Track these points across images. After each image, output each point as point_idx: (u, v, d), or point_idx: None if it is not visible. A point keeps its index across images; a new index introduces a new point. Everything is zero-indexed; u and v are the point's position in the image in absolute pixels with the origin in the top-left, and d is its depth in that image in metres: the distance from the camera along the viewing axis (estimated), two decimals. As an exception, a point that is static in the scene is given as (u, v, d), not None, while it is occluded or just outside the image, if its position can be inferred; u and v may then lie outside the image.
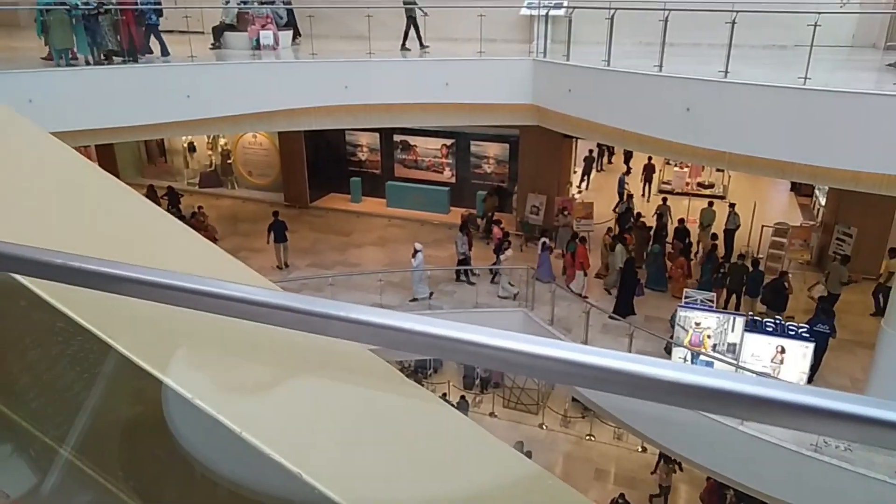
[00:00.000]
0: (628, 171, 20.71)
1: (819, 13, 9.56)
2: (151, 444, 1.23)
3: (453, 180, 19.94)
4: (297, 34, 15.42)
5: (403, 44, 13.67)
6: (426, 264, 14.14)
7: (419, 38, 13.73)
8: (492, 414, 19.07)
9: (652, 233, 15.61)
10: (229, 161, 21.60)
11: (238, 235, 17.95)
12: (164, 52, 12.55)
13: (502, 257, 14.52)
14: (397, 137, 20.10)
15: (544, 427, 18.56)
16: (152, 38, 12.41)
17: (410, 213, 19.30)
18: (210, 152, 22.14)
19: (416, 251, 14.00)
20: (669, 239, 15.31)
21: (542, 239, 14.58)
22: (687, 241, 14.91)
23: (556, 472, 16.78)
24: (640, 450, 17.27)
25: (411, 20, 13.52)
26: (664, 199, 17.28)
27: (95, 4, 11.78)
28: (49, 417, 1.23)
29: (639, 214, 16.54)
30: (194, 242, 1.59)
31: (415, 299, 13.94)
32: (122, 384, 1.22)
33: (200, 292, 0.94)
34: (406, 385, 1.59)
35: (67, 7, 11.38)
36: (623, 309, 12.81)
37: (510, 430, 18.55)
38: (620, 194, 18.54)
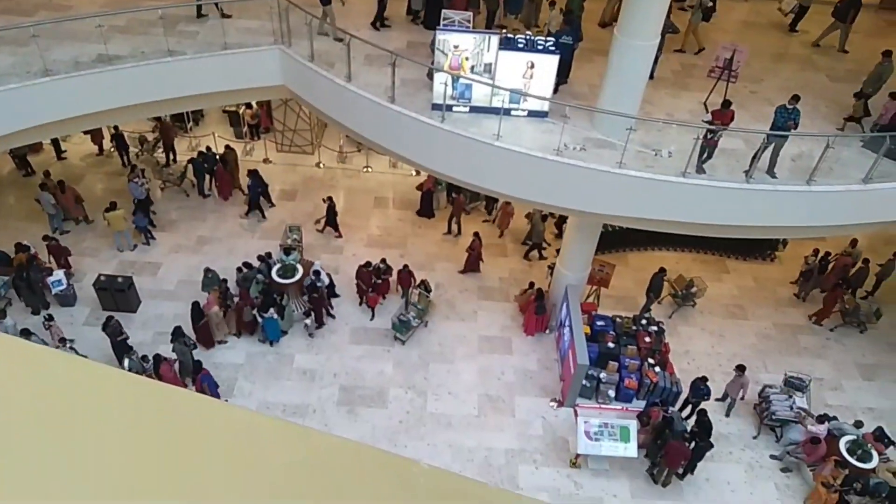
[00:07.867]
0: None
1: None
2: None
3: None
4: None
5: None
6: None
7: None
8: (266, 160, 18.53)
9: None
10: None
11: None
12: None
13: None
14: None
15: (322, 166, 18.63)
16: None
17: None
18: None
19: None
20: None
21: None
22: None
23: (338, 206, 17.28)
24: (413, 174, 18.31)
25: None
26: None
27: None
28: None
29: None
30: None
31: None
32: None
33: None
34: None
35: None
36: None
37: (288, 172, 18.37)
38: None
